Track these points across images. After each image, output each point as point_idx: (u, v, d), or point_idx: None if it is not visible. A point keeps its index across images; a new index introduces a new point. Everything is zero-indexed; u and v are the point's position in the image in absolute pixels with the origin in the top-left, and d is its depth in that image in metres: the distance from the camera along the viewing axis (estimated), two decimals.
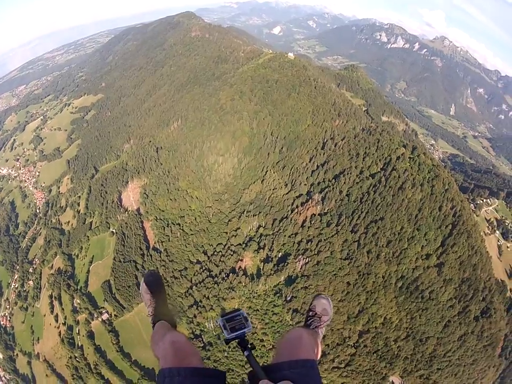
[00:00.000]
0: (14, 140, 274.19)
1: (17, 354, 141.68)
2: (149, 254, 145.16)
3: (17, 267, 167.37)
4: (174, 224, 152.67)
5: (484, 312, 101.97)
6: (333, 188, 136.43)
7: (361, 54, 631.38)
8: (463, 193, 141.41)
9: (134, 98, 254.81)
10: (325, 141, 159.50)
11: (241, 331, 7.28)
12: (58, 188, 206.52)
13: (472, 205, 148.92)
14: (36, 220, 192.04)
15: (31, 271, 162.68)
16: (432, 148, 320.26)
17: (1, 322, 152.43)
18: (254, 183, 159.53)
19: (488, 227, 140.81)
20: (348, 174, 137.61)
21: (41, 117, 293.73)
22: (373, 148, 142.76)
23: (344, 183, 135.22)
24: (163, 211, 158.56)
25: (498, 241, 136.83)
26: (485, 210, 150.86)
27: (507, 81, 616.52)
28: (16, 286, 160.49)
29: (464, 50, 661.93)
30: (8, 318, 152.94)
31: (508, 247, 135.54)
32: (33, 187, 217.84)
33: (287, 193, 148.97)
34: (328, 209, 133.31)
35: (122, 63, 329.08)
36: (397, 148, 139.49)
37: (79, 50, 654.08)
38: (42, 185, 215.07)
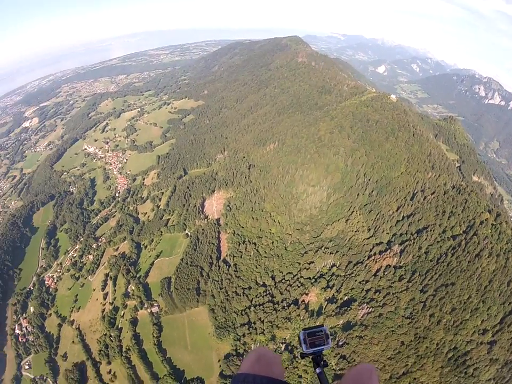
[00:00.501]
0: (107, 123, 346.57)
1: (50, 314, 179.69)
2: (217, 264, 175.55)
3: (81, 239, 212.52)
4: (250, 243, 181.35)
5: None
6: (414, 243, 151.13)
7: (460, 106, 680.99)
8: None
9: (235, 112, 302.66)
10: (415, 192, 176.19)
11: (320, 347, 9.09)
12: (143, 179, 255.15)
13: None
14: (113, 202, 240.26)
15: (94, 246, 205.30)
16: None
17: (46, 282, 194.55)
18: (338, 220, 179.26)
19: None
20: (431, 230, 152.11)
21: (139, 109, 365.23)
22: (459, 207, 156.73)
23: (426, 239, 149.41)
24: (243, 227, 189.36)
25: None
26: None
27: None
28: (74, 256, 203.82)
29: None
30: (55, 281, 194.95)
31: None
32: (118, 172, 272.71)
33: (368, 238, 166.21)
34: (404, 263, 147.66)
35: (227, 76, 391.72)
36: (482, 212, 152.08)
37: (185, 54, 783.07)
38: (128, 172, 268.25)
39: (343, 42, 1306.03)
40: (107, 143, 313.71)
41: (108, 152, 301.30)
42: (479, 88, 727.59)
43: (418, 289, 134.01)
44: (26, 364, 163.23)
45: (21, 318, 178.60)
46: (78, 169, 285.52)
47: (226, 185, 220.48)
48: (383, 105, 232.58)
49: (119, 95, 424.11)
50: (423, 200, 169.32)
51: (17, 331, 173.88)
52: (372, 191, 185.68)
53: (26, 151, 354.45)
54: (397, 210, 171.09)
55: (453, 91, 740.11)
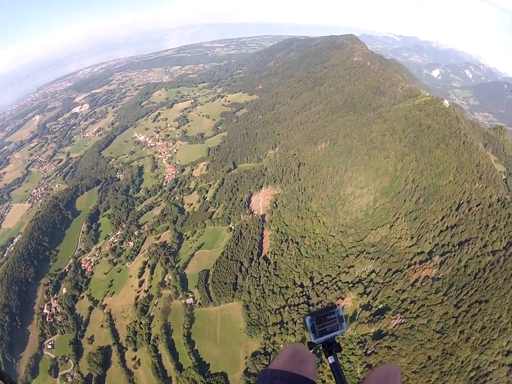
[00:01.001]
0: (159, 113, 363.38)
1: (82, 297, 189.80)
2: (258, 261, 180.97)
3: (123, 225, 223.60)
4: (292, 241, 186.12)
5: None
6: (454, 255, 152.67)
7: (509, 115, 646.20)
8: None
9: (288, 109, 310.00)
10: (461, 202, 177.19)
11: (332, 334, 8.53)
12: (192, 170, 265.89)
13: None
14: (159, 191, 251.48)
15: (136, 234, 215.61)
16: None
17: (83, 265, 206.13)
18: (382, 226, 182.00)
19: None
20: (472, 243, 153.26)
21: (192, 100, 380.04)
22: (502, 222, 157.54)
23: (466, 252, 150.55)
24: (287, 225, 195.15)
25: None
26: None
27: None
28: (115, 241, 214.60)
29: None
30: (92, 264, 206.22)
31: None
32: (167, 162, 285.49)
33: (410, 247, 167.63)
34: (442, 276, 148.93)
35: (282, 71, 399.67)
36: None
37: (241, 48, 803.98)
38: (177, 162, 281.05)
39: (399, 43, 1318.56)
40: (158, 132, 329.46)
41: (158, 141, 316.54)
42: None
43: (452, 304, 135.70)
44: (50, 343, 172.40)
45: (51, 298, 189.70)
46: (127, 157, 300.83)
47: (274, 181, 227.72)
48: (436, 110, 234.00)
49: (173, 86, 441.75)
50: (468, 211, 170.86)
51: (45, 311, 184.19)
52: (419, 198, 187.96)
53: (75, 136, 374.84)
54: (441, 220, 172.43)
55: (503, 100, 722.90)
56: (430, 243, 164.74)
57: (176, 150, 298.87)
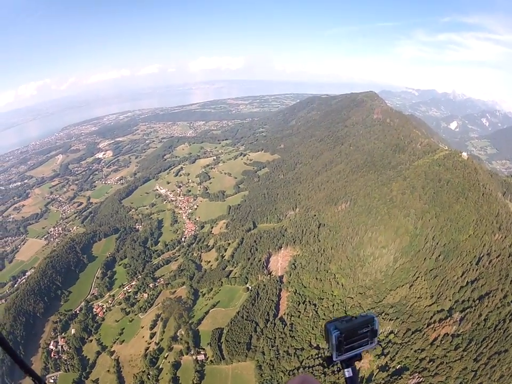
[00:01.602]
0: (182, 167, 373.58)
1: (91, 340, 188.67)
2: (273, 322, 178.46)
3: (139, 276, 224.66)
4: (310, 303, 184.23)
5: None
6: (475, 310, 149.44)
7: None
8: None
9: (309, 169, 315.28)
10: (481, 255, 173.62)
11: (359, 350, 7.93)
12: (212, 227, 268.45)
13: None
14: (177, 246, 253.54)
15: (151, 286, 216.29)
16: None
17: (94, 309, 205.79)
18: (402, 286, 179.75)
19: None
20: (492, 296, 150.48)
21: (214, 157, 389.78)
22: None
23: (487, 306, 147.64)
24: (305, 287, 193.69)
25: None
26: None
27: None
28: (129, 291, 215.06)
29: None
30: (104, 310, 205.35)
31: None
32: (187, 217, 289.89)
33: (429, 305, 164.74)
34: (462, 331, 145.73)
35: (304, 130, 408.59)
36: None
37: (264, 106, 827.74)
38: (197, 219, 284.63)
39: (417, 97, 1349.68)
40: (179, 187, 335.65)
41: (179, 196, 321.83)
42: None
43: (472, 358, 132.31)
44: (52, 378, 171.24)
45: (58, 336, 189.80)
46: (147, 208, 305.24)
47: (294, 242, 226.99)
48: (455, 163, 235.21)
49: (196, 141, 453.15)
50: (488, 264, 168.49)
51: (51, 347, 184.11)
52: (439, 256, 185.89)
53: (96, 182, 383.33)
54: (461, 276, 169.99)
55: None
56: (450, 300, 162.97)
57: (197, 206, 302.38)
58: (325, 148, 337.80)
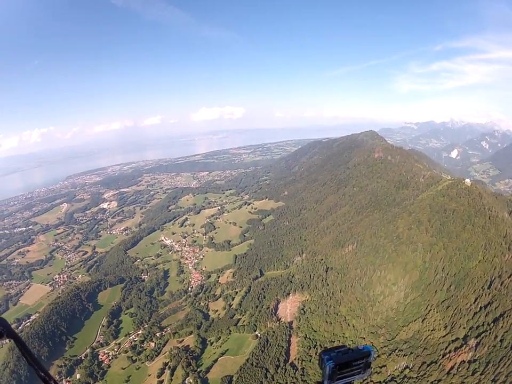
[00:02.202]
0: (186, 218, 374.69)
1: None
2: (284, 367, 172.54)
3: (145, 326, 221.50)
4: (321, 347, 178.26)
5: None
6: (490, 333, 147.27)
7: None
8: None
9: (314, 213, 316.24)
10: (493, 278, 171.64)
11: (351, 378, 8.19)
12: (218, 277, 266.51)
13: None
14: (184, 296, 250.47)
15: (158, 335, 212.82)
16: None
17: (100, 357, 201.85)
18: (414, 321, 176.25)
19: None
20: (507, 316, 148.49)
21: (219, 207, 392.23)
22: None
23: (502, 327, 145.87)
24: (315, 331, 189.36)
25: None
26: None
27: None
28: (135, 340, 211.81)
29: None
30: (110, 358, 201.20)
31: None
32: (193, 267, 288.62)
33: (444, 336, 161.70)
34: (478, 356, 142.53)
35: (306, 176, 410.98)
36: None
37: (266, 154, 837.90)
38: (203, 269, 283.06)
39: (416, 131, 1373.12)
40: (185, 237, 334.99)
41: (184, 246, 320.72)
42: None
43: (490, 380, 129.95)
44: None
45: (63, 380, 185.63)
46: (152, 259, 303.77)
47: (302, 288, 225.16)
48: (459, 191, 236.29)
49: (200, 192, 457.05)
50: (500, 285, 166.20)
51: None
52: (450, 286, 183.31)
53: (101, 231, 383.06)
54: (474, 302, 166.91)
55: None
56: (464, 328, 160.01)
57: (203, 256, 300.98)
58: (329, 191, 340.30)
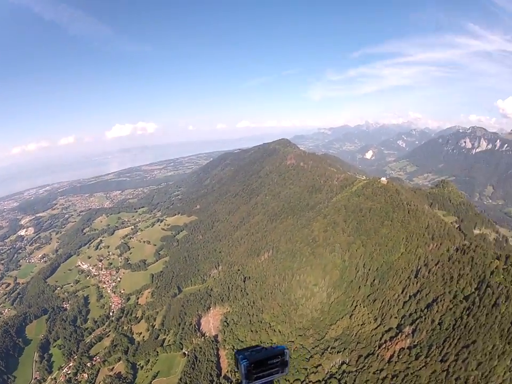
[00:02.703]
0: (101, 240, 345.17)
1: None
2: (218, 381, 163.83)
3: (75, 357, 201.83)
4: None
5: None
6: (425, 318, 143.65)
7: (449, 166, 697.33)
8: None
9: (227, 225, 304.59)
10: (419, 268, 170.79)
11: (270, 377, 7.76)
12: (138, 298, 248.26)
13: None
14: (107, 321, 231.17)
15: (88, 365, 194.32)
16: None
17: None
18: (341, 318, 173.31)
19: None
20: (441, 301, 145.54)
21: (132, 226, 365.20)
22: (467, 267, 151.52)
23: (437, 311, 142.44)
24: (242, 341, 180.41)
25: None
26: None
27: None
28: (69, 372, 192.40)
29: None
30: None
31: None
32: (112, 291, 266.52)
33: (375, 328, 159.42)
34: (418, 341, 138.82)
35: (218, 188, 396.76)
36: (490, 262, 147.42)
37: (178, 169, 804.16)
38: (122, 291, 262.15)
39: (330, 136, 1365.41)
40: (101, 260, 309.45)
41: (101, 270, 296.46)
42: (464, 142, 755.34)
43: (437, 361, 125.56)
44: None
45: None
46: (72, 286, 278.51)
47: (222, 300, 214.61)
48: (374, 190, 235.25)
49: (114, 212, 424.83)
50: (428, 273, 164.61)
51: None
52: (374, 280, 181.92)
53: (21, 260, 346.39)
54: (402, 292, 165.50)
55: (440, 154, 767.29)
56: (396, 317, 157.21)
57: (120, 278, 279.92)
58: (241, 201, 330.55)
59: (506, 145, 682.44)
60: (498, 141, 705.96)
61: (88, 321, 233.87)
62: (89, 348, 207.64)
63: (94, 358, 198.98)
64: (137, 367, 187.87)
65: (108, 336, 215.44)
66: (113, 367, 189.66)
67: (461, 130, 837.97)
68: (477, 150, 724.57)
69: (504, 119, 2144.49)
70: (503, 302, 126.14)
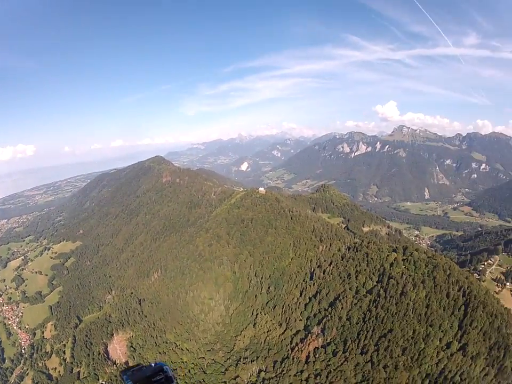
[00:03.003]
0: None
1: None
2: None
3: None
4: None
5: None
6: (331, 316, 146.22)
7: (328, 171, 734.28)
8: (462, 268, 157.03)
9: (112, 248, 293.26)
10: (312, 270, 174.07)
11: None
12: (43, 332, 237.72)
13: (475, 274, 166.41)
14: (22, 359, 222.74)
15: None
16: (417, 238, 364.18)
17: None
18: (245, 328, 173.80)
19: (497, 285, 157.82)
20: (343, 298, 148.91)
21: (22, 257, 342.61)
22: (363, 263, 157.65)
23: (342, 308, 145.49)
24: None
25: (511, 291, 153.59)
26: (490, 272, 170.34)
27: (469, 139, 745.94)
28: None
29: (423, 130, 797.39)
30: None
31: None
32: (17, 327, 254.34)
33: (283, 333, 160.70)
34: (330, 339, 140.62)
35: (98, 210, 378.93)
36: (387, 255, 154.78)
37: (58, 193, 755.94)
38: (26, 327, 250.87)
39: (204, 151, 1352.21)
40: (0, 295, 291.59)
41: (3, 305, 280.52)
42: (342, 147, 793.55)
43: (358, 354, 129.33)
44: None
45: None
46: None
47: (122, 325, 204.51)
48: (254, 201, 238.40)
49: (3, 242, 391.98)
50: (323, 274, 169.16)
51: None
52: (269, 287, 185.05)
53: None
54: (301, 295, 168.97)
55: (317, 160, 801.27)
56: (301, 320, 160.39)
57: (22, 313, 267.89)
58: (122, 223, 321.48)
59: (387, 146, 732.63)
60: (378, 143, 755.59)
61: (6, 360, 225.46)
62: None
63: None
64: None
65: (27, 374, 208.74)
66: None
67: (337, 136, 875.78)
68: (356, 153, 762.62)
69: (384, 123, 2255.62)
70: (411, 289, 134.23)
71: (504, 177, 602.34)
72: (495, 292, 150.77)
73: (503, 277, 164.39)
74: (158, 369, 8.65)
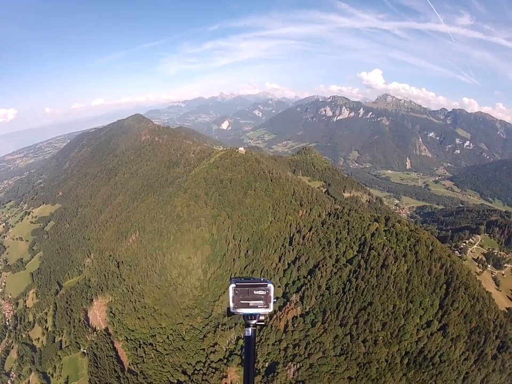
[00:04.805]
0: None
1: None
2: (124, 376, 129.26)
3: None
4: (146, 344, 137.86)
5: (501, 348, 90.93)
6: (310, 285, 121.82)
7: (309, 133, 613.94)
8: (443, 243, 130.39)
9: (91, 209, 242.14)
10: (292, 235, 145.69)
11: (253, 310, 6.67)
12: (25, 301, 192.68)
13: (456, 251, 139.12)
14: (6, 331, 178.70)
15: (9, 383, 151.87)
16: (397, 207, 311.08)
17: None
18: (224, 293, 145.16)
19: (478, 265, 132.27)
20: (323, 266, 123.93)
21: (3, 224, 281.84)
22: (344, 231, 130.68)
23: (321, 276, 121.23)
24: (132, 331, 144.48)
25: (492, 273, 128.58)
26: (471, 251, 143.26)
27: (455, 114, 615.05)
28: None
29: (408, 100, 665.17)
30: None
31: (503, 274, 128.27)
32: (1, 297, 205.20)
33: None
34: (309, 308, 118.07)
35: (77, 171, 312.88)
36: (369, 225, 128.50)
37: (38, 155, 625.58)
38: (9, 296, 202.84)
39: (184, 109, 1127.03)
40: None
41: None
42: (325, 110, 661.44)
43: (337, 325, 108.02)
44: None
45: None
46: None
47: (102, 290, 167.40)
48: (233, 160, 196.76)
49: None
50: (303, 240, 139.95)
51: None
52: (247, 251, 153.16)
53: None
54: (279, 261, 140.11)
55: (299, 122, 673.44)
56: (279, 286, 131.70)
57: (4, 282, 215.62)
58: (101, 183, 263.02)
59: (370, 113, 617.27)
60: (362, 109, 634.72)
61: None
62: (3, 364, 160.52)
63: (11, 375, 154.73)
64: (48, 375, 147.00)
65: (12, 348, 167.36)
66: (28, 381, 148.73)
67: (320, 100, 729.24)
68: (338, 117, 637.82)
69: (368, 90, 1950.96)
70: (392, 262, 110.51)
71: (487, 157, 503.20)
72: (476, 272, 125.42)
73: (484, 258, 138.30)
74: (261, 284, 6.89)
